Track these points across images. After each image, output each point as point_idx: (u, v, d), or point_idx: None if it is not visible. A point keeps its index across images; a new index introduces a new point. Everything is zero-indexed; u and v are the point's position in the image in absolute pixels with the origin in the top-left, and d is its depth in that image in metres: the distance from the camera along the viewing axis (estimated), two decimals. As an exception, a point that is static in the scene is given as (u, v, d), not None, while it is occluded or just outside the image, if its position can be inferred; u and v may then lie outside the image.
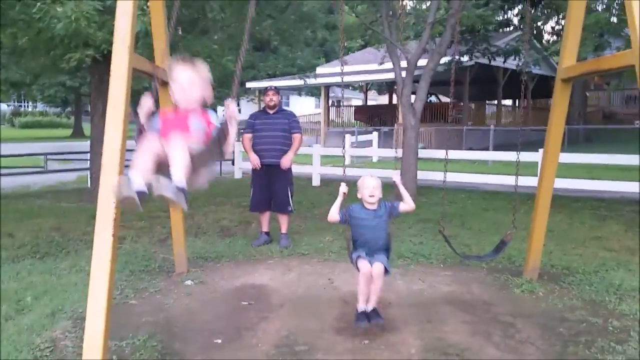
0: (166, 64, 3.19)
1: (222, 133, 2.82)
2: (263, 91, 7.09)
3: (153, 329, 4.17)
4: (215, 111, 3.08)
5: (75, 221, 8.18)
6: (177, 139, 2.64)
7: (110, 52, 3.60)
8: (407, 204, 4.29)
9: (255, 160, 6.85)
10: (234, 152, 15.64)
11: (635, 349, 3.84)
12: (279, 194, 6.91)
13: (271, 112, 6.92)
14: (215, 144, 2.81)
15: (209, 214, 8.94)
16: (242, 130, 7.29)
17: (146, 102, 2.88)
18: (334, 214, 4.24)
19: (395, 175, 4.44)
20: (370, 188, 4.21)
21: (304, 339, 4.00)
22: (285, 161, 6.83)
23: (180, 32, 9.53)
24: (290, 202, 6.98)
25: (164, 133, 2.72)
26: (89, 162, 11.16)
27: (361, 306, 4.15)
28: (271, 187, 6.91)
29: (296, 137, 6.96)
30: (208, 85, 2.86)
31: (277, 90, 7.00)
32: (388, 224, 4.27)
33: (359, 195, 4.31)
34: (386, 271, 4.08)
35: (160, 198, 2.59)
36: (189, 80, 2.80)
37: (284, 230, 6.98)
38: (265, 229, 7.08)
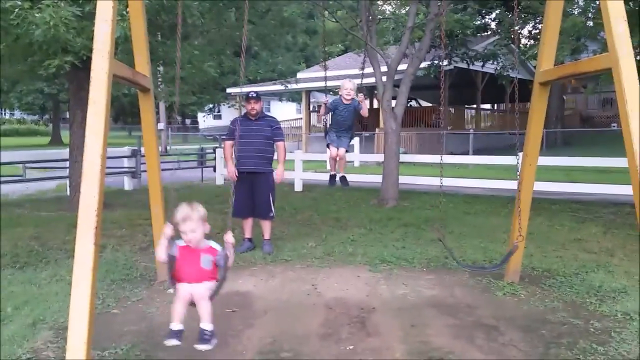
0: (147, 70, 3.25)
1: (225, 259, 3.44)
2: (244, 97, 7.00)
3: (136, 338, 4.13)
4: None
5: (55, 230, 8.08)
6: (199, 291, 3.37)
7: (89, 58, 3.58)
8: (364, 110, 6.05)
9: (231, 173, 6.84)
10: (215, 159, 15.60)
11: (616, 349, 3.89)
12: (261, 200, 6.90)
13: (253, 118, 6.87)
14: (222, 271, 3.48)
15: (191, 221, 8.87)
16: (223, 137, 7.23)
17: (167, 230, 3.40)
18: (323, 111, 6.13)
19: (360, 96, 6.08)
20: (348, 89, 5.97)
21: (288, 345, 3.99)
22: (280, 175, 7.02)
23: (160, 38, 9.48)
24: (272, 208, 6.96)
25: (180, 265, 3.40)
26: (68, 170, 11.03)
27: (332, 173, 6.42)
28: (253, 193, 6.89)
29: (279, 145, 6.96)
30: (205, 222, 3.43)
31: (258, 97, 6.92)
32: (353, 115, 6.09)
33: (339, 93, 6.06)
34: (346, 152, 6.24)
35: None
36: (191, 229, 3.36)
37: (266, 237, 6.96)
38: (248, 235, 7.06)
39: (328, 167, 6.57)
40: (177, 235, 3.41)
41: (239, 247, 6.97)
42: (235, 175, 6.79)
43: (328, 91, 20.93)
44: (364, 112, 6.06)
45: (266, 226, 6.97)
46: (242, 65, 3.75)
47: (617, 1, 3.62)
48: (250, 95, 6.89)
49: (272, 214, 6.97)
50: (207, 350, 3.40)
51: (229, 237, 3.53)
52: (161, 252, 3.39)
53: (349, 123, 6.13)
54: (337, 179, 6.44)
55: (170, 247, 3.39)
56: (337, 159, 6.25)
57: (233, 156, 6.99)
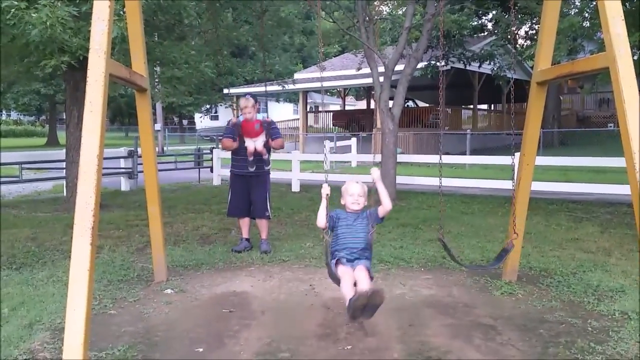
0: (144, 70, 3.26)
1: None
2: (239, 103, 6.84)
3: (133, 339, 4.11)
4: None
5: (51, 231, 8.06)
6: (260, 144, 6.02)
7: (86, 58, 3.57)
8: (384, 206, 4.14)
9: (227, 142, 6.81)
10: (212, 159, 15.58)
11: (614, 348, 3.89)
12: (257, 200, 6.89)
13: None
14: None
15: (188, 222, 8.87)
16: (220, 137, 7.21)
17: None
18: (321, 219, 4.10)
19: (373, 172, 4.27)
20: (355, 196, 4.17)
21: (286, 346, 3.98)
22: (259, 147, 6.71)
23: (156, 38, 9.47)
24: (268, 207, 6.96)
25: (246, 128, 5.96)
26: (64, 170, 11.01)
27: (350, 296, 3.75)
28: (249, 193, 6.88)
29: (278, 140, 6.89)
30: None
31: (254, 102, 6.70)
32: (368, 230, 4.17)
33: (342, 202, 4.27)
34: (370, 277, 3.98)
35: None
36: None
37: (264, 236, 6.95)
38: (245, 235, 7.05)
39: (344, 293, 3.94)
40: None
41: (236, 246, 6.99)
42: (231, 145, 6.77)
43: (325, 91, 20.91)
44: (386, 207, 4.19)
45: (263, 226, 6.96)
46: (261, 65, 3.70)
47: (615, 1, 3.62)
48: (245, 97, 6.73)
49: (268, 214, 6.96)
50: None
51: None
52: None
53: (363, 239, 4.17)
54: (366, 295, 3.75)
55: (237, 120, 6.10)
56: (355, 281, 3.97)
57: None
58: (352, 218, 4.17)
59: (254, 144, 6.49)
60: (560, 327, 4.32)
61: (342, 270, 3.98)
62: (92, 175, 3.25)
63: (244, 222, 7.03)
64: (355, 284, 3.90)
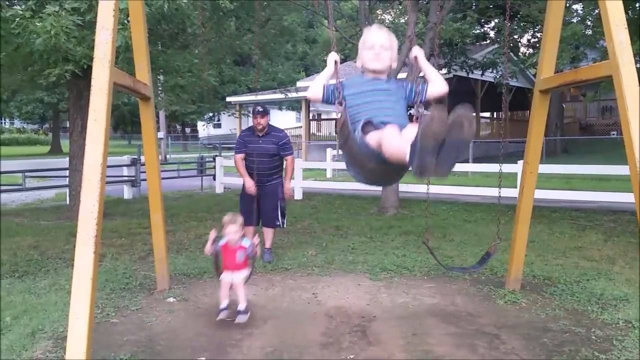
0: (147, 78, 3.18)
1: (253, 250, 4.82)
2: (252, 112, 6.83)
3: (135, 348, 4.10)
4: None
5: (54, 239, 8.07)
6: (238, 277, 4.76)
7: (89, 66, 3.59)
8: (435, 85, 3.00)
9: (251, 187, 6.70)
10: (215, 167, 15.60)
11: (618, 357, 3.87)
12: (267, 209, 6.86)
13: (260, 134, 6.75)
14: (251, 261, 4.88)
15: (191, 230, 8.87)
16: (233, 148, 7.16)
17: (213, 233, 4.73)
18: (316, 87, 3.09)
19: (415, 50, 3.16)
20: (376, 47, 2.88)
21: (289, 355, 3.97)
22: (287, 191, 6.93)
23: (160, 47, 9.50)
24: (279, 216, 6.91)
25: (224, 257, 4.77)
26: (67, 179, 11.03)
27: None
28: (259, 202, 6.84)
29: (288, 159, 6.89)
30: (241, 228, 4.82)
31: (264, 112, 6.73)
32: (406, 107, 2.97)
33: (357, 63, 3.15)
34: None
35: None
36: (234, 231, 4.77)
37: (267, 245, 6.93)
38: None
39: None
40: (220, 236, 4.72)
41: None
42: (254, 190, 6.70)
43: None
44: (438, 88, 3.09)
45: (268, 234, 6.94)
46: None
47: (618, 9, 3.63)
48: (256, 111, 6.72)
49: (278, 223, 6.93)
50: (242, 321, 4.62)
51: (255, 239, 4.92)
52: (209, 248, 4.74)
53: (400, 110, 3.02)
54: None
55: (216, 244, 4.72)
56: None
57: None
58: (373, 84, 2.96)
59: (232, 278, 4.74)
60: (564, 336, 4.30)
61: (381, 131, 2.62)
62: (95, 183, 3.25)
63: (248, 230, 7.02)
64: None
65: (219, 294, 4.82)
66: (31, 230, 8.88)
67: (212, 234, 4.72)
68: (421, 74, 3.13)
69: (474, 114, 2.53)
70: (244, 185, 6.88)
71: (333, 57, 3.05)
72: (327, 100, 3.06)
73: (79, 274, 3.11)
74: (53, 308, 4.91)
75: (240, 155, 6.83)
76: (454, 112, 2.36)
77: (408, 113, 2.95)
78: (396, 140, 2.48)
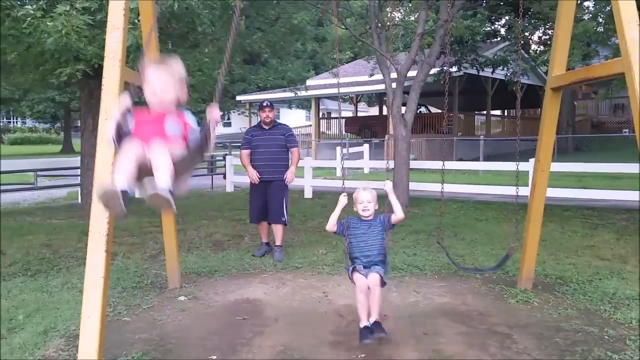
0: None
1: (203, 137, 2.79)
2: (258, 107, 7.10)
3: (147, 346, 4.12)
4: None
5: (66, 238, 8.11)
6: (158, 145, 2.62)
7: (100, 66, 3.60)
8: (396, 215, 4.26)
9: (253, 175, 6.91)
10: (225, 166, 15.63)
11: (631, 357, 3.84)
12: (273, 205, 6.94)
13: (267, 127, 7.00)
14: (196, 149, 2.79)
15: (201, 229, 8.89)
16: (239, 146, 7.34)
17: (124, 100, 2.82)
18: (332, 224, 4.27)
19: (386, 184, 4.41)
20: (364, 202, 4.28)
21: (300, 354, 3.97)
22: (290, 176, 6.98)
23: (170, 46, 9.52)
24: (285, 213, 6.99)
25: (139, 134, 2.68)
26: (79, 177, 11.09)
27: (363, 322, 3.99)
28: (267, 198, 6.97)
29: (294, 151, 7.08)
30: (182, 85, 2.75)
31: (272, 106, 7.04)
32: (383, 236, 4.27)
33: (354, 209, 4.35)
34: (383, 283, 4.04)
35: (152, 198, 2.60)
36: (161, 82, 2.70)
37: (278, 243, 6.97)
38: (264, 239, 7.17)
39: (359, 311, 4.05)
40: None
41: (256, 250, 7.07)
42: (258, 177, 6.89)
43: (336, 98, 20.93)
44: (399, 216, 4.25)
45: (278, 232, 6.97)
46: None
47: (630, 5, 3.59)
48: (264, 104, 6.98)
49: (284, 219, 7.00)
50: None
51: (214, 110, 2.83)
52: (109, 129, 2.79)
53: (378, 246, 4.22)
54: (371, 330, 4.02)
55: (124, 121, 2.79)
56: (369, 290, 4.01)
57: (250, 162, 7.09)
58: (365, 226, 4.27)
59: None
60: (576, 336, 4.27)
61: (357, 278, 4.05)
62: (107, 182, 3.26)
63: (262, 227, 7.12)
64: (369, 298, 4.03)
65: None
66: (43, 229, 8.94)
67: (123, 99, 2.89)
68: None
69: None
70: (251, 183, 7.01)
71: (342, 200, 4.25)
72: (340, 233, 4.27)
73: (91, 273, 3.13)
74: (65, 306, 4.95)
75: (246, 151, 7.06)
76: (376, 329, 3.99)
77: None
78: (359, 300, 4.04)
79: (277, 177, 6.94)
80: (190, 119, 2.82)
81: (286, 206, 7.03)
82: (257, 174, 6.89)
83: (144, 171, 2.64)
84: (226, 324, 4.63)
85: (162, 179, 2.58)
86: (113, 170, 2.71)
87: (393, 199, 4.32)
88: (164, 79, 2.68)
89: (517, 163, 5.06)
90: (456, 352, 3.97)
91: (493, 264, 6.42)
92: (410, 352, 3.99)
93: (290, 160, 7.11)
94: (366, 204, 4.26)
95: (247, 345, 4.15)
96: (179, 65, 2.74)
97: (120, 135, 2.74)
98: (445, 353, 3.96)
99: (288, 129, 7.23)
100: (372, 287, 3.97)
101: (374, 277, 3.98)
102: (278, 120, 7.25)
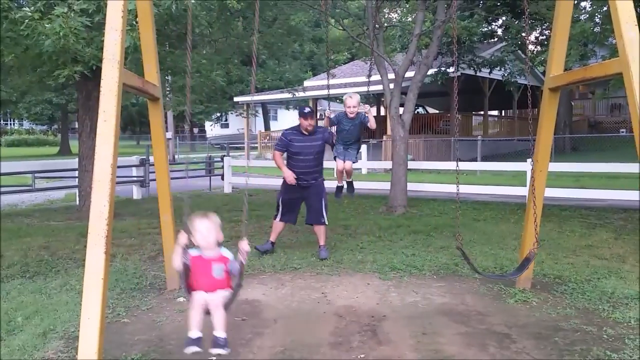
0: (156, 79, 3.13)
1: (240, 265, 3.56)
2: (299, 113, 6.98)
3: (146, 347, 4.12)
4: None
5: (64, 239, 8.10)
6: (215, 301, 3.47)
7: (98, 67, 3.61)
8: (370, 123, 6.44)
9: (290, 177, 6.87)
10: (223, 167, 15.62)
11: (630, 356, 3.85)
12: (314, 207, 7.02)
13: (307, 134, 6.89)
14: (237, 277, 3.60)
15: (200, 230, 8.87)
16: (275, 146, 7.29)
17: (182, 238, 3.48)
18: (326, 123, 6.67)
19: (365, 107, 6.46)
20: (350, 107, 6.23)
21: (299, 354, 3.97)
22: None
23: (168, 48, 9.53)
24: (324, 214, 7.01)
25: (194, 274, 3.49)
26: (77, 179, 11.08)
27: (339, 184, 6.76)
28: (305, 201, 7.06)
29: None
30: (219, 230, 3.54)
31: (312, 112, 6.98)
32: (360, 129, 6.50)
33: (344, 108, 6.35)
34: (354, 163, 6.59)
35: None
36: (207, 229, 3.47)
37: (322, 242, 7.03)
38: (272, 239, 7.20)
39: (335, 178, 6.83)
40: (191, 245, 3.50)
41: (261, 245, 7.14)
42: (294, 178, 6.88)
43: (334, 99, 20.93)
44: (371, 124, 6.44)
45: (320, 232, 7.05)
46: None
47: (627, 6, 3.60)
48: (306, 112, 6.87)
49: (323, 220, 7.03)
50: (221, 356, 3.53)
51: (244, 245, 3.61)
52: (177, 260, 3.46)
53: (356, 136, 6.54)
54: (344, 189, 6.90)
55: (184, 255, 3.45)
56: (345, 171, 6.65)
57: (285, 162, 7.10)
58: (349, 123, 6.40)
59: (206, 299, 3.46)
60: (575, 335, 4.28)
61: (338, 162, 6.59)
62: (106, 184, 3.26)
63: (279, 227, 7.19)
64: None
65: (188, 318, 3.50)
66: (41, 230, 8.93)
67: (181, 238, 3.46)
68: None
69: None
70: (286, 183, 6.98)
71: (328, 114, 6.55)
72: (334, 123, 6.66)
73: (90, 274, 3.13)
74: (64, 308, 4.94)
75: (280, 153, 7.05)
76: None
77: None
78: (338, 173, 6.79)
79: (316, 181, 6.97)
80: (227, 253, 3.56)
81: (326, 207, 7.04)
82: (293, 176, 6.86)
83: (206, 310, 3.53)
84: (225, 325, 4.62)
85: (221, 333, 3.52)
86: (189, 324, 3.49)
87: (370, 115, 6.43)
88: (209, 226, 3.48)
89: (532, 161, 5.05)
90: (455, 352, 3.98)
91: (492, 264, 6.45)
92: (410, 352, 3.99)
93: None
94: (352, 108, 6.21)
95: (246, 346, 4.16)
96: (215, 216, 3.56)
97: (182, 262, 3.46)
98: (444, 353, 3.97)
99: (324, 130, 7.05)
100: (346, 168, 6.61)
101: (348, 163, 6.55)
102: (317, 125, 7.18)
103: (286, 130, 7.25)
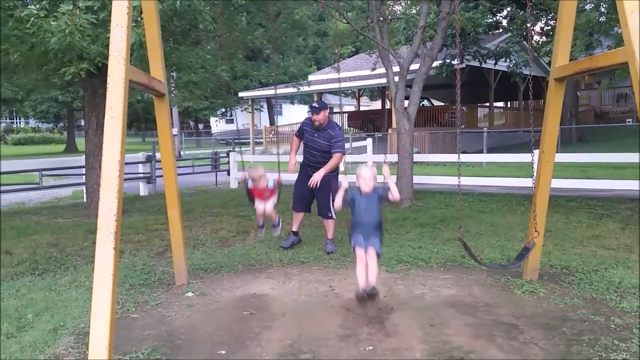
0: (162, 75, 3.20)
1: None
2: (310, 107, 6.98)
3: (156, 342, 4.15)
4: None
5: (72, 236, 8.15)
6: (269, 207, 6.16)
7: (104, 65, 3.63)
8: (393, 194, 4.86)
9: (290, 164, 7.09)
10: (229, 163, 15.65)
11: (638, 345, 3.85)
12: (321, 201, 7.08)
13: (316, 129, 6.89)
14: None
15: (207, 225, 8.92)
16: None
17: (242, 177, 6.16)
18: (338, 203, 4.94)
19: (384, 169, 5.04)
20: (366, 179, 4.86)
21: (308, 347, 3.99)
22: (317, 176, 6.77)
23: (172, 44, 9.53)
24: (332, 208, 6.99)
25: (255, 193, 6.15)
26: (84, 176, 11.12)
27: (362, 287, 4.56)
28: (315, 194, 7.08)
29: (335, 156, 6.85)
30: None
31: (319, 108, 6.80)
32: (380, 207, 4.89)
33: (356, 184, 4.90)
34: (378, 255, 4.68)
35: None
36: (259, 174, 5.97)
37: (329, 236, 7.09)
38: (294, 228, 7.27)
39: (357, 278, 4.64)
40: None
41: (284, 242, 7.17)
42: (294, 165, 7.10)
43: (339, 92, 20.86)
44: (395, 196, 4.81)
45: (329, 225, 7.12)
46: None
47: (633, -5, 3.58)
48: (313, 107, 6.87)
49: (331, 214, 7.06)
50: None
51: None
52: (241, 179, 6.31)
53: (376, 216, 4.81)
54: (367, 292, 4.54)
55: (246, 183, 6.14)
56: (367, 263, 4.63)
57: (296, 150, 7.28)
58: (365, 199, 4.86)
59: (264, 205, 6.16)
60: (583, 325, 4.29)
61: (358, 252, 4.72)
62: (114, 180, 3.29)
63: (298, 217, 7.26)
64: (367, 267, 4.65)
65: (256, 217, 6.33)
66: (50, 228, 8.98)
67: (243, 176, 6.25)
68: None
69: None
70: (302, 167, 7.17)
71: (344, 184, 4.95)
72: (344, 206, 4.92)
73: (99, 270, 3.15)
74: (74, 304, 4.98)
75: (297, 139, 7.24)
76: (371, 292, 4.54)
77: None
78: (358, 274, 4.67)
79: (326, 176, 6.86)
80: (270, 183, 6.09)
81: (334, 201, 7.01)
82: (293, 164, 7.09)
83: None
84: (234, 319, 4.66)
85: (275, 218, 6.45)
86: (257, 220, 6.43)
87: (390, 182, 4.93)
88: (261, 172, 5.98)
89: (532, 154, 5.04)
90: (463, 343, 3.99)
91: (499, 255, 6.45)
92: (418, 344, 4.01)
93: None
94: (367, 180, 4.85)
95: (255, 339, 4.18)
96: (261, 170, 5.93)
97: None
98: (452, 344, 3.98)
99: (333, 135, 6.86)
100: (369, 260, 4.63)
101: (370, 252, 4.65)
102: (333, 122, 7.06)
103: (306, 118, 7.25)
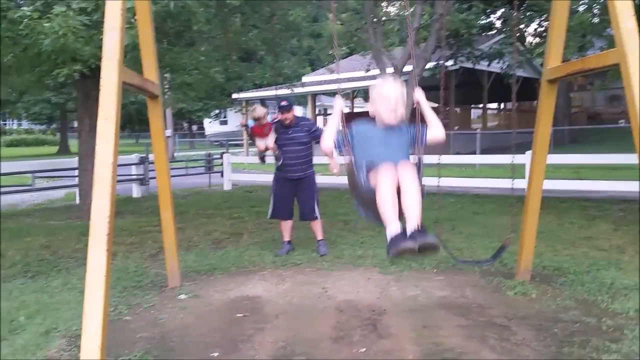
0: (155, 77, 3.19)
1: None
2: (277, 107, 6.90)
3: (148, 345, 4.14)
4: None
5: (65, 239, 8.12)
6: (270, 142, 6.79)
7: (97, 66, 3.61)
8: (435, 130, 3.07)
9: (260, 146, 6.93)
10: (222, 164, 15.63)
11: (629, 347, 3.87)
12: (305, 202, 6.97)
13: (288, 127, 6.85)
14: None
15: (200, 227, 8.91)
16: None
17: (242, 122, 6.81)
18: (327, 142, 3.18)
19: (416, 91, 3.33)
20: (390, 100, 2.94)
21: (301, 349, 3.99)
22: (333, 168, 6.55)
23: (166, 45, 9.52)
24: (316, 209, 6.97)
25: (256, 131, 6.77)
26: (77, 178, 11.09)
27: (396, 230, 2.77)
28: (297, 196, 6.99)
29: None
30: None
31: (289, 107, 6.83)
32: (409, 153, 3.06)
33: (370, 110, 3.15)
34: (420, 187, 2.87)
35: None
36: (264, 115, 6.61)
37: (319, 237, 7.03)
38: (287, 238, 7.13)
39: (384, 214, 3.02)
40: None
41: (279, 250, 7.03)
42: (263, 147, 6.93)
43: (333, 94, 20.90)
44: (436, 134, 3.41)
45: (317, 227, 7.04)
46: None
47: (625, -3, 3.61)
48: (281, 106, 6.82)
49: (316, 215, 7.00)
50: None
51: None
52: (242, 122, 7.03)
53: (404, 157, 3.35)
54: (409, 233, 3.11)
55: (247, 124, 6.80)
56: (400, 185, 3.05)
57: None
58: (383, 135, 2.99)
59: (265, 142, 6.83)
60: (574, 326, 4.31)
61: (381, 171, 2.72)
62: (107, 182, 3.28)
63: (286, 225, 7.10)
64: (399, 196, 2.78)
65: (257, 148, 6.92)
66: (42, 230, 8.95)
67: (243, 120, 7.11)
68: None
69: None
70: (277, 179, 7.00)
71: (339, 104, 3.23)
72: (339, 150, 3.22)
73: (92, 273, 3.14)
74: (66, 307, 4.96)
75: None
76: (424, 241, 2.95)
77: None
78: (385, 209, 2.90)
79: (306, 174, 6.90)
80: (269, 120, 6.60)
81: (317, 201, 7.02)
82: (264, 146, 6.88)
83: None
84: (227, 321, 4.66)
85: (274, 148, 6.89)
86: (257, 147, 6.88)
87: (427, 109, 3.18)
88: (264, 110, 6.67)
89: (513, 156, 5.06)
90: (456, 345, 4.01)
91: (490, 256, 6.46)
92: (411, 346, 4.02)
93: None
94: (393, 101, 2.93)
95: (248, 342, 4.18)
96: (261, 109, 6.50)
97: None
98: (445, 345, 4.00)
99: (310, 124, 7.03)
100: (405, 178, 2.73)
101: (405, 165, 2.75)
102: (299, 116, 7.09)
103: (274, 122, 7.11)
